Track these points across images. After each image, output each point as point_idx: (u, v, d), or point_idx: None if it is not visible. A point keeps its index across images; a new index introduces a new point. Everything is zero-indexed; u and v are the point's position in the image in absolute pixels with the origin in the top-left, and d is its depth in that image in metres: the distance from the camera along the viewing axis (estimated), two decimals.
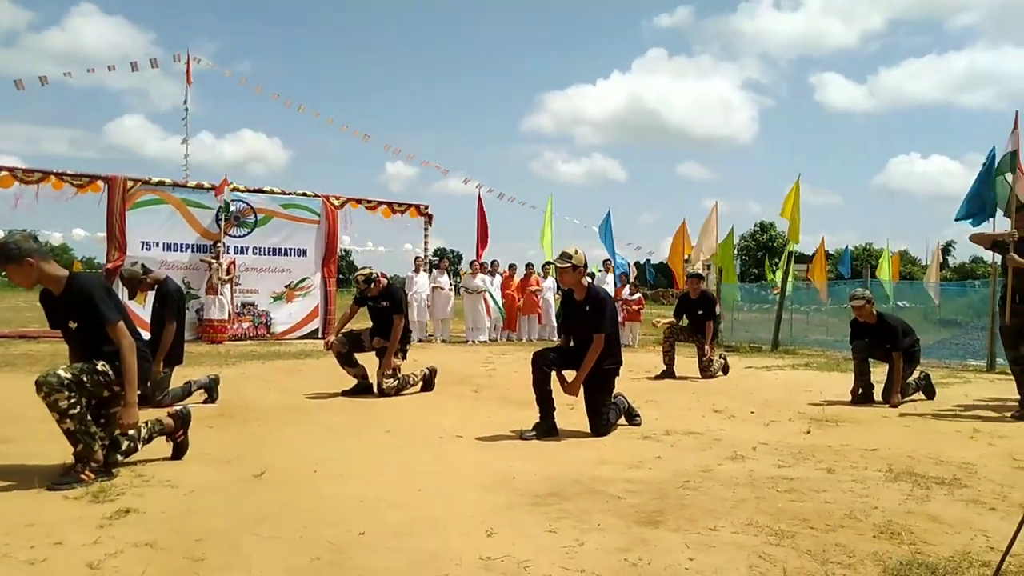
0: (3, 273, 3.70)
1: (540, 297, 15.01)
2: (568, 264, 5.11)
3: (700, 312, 9.00)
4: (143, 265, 6.37)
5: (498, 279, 14.90)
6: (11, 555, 2.63)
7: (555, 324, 14.79)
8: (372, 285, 6.90)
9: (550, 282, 14.93)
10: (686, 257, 15.32)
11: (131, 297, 5.82)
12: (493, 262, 15.33)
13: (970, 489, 3.74)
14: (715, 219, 14.31)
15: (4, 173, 11.54)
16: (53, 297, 3.76)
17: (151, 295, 6.49)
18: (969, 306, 15.38)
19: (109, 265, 11.94)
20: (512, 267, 15.33)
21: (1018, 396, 6.10)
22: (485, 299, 14.30)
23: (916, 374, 7.00)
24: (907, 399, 6.80)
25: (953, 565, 2.64)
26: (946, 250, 43.58)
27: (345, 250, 14.64)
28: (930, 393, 7.00)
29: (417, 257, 14.72)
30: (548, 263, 14.71)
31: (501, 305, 14.48)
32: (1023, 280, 5.92)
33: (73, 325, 3.72)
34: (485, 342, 14.13)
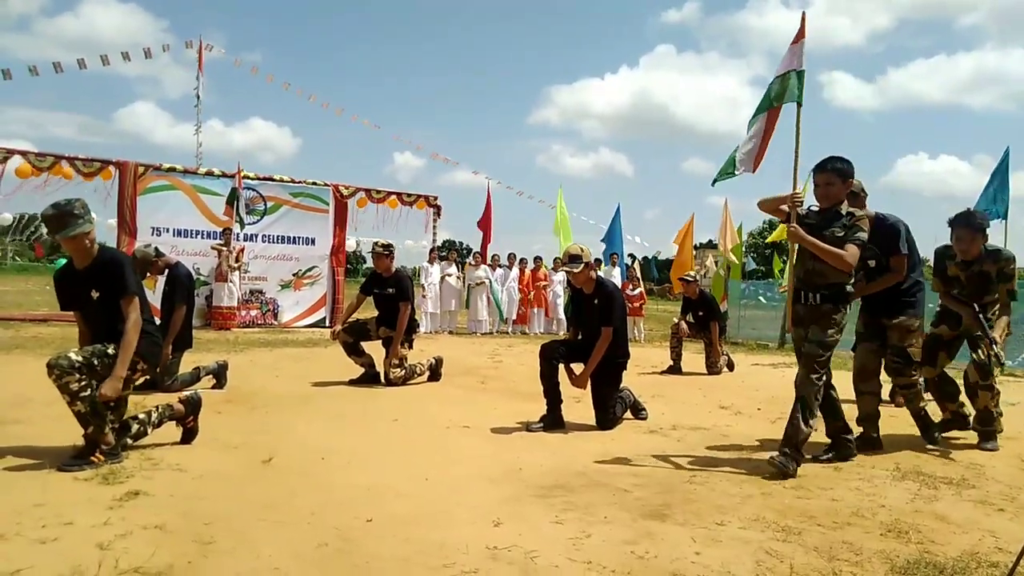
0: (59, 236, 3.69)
1: (549, 291, 15.02)
2: (581, 265, 5.10)
3: (701, 313, 9.13)
4: (156, 248, 6.42)
5: (515, 271, 14.92)
6: (23, 534, 2.65)
7: (562, 318, 14.81)
8: (389, 256, 6.92)
9: (560, 275, 14.93)
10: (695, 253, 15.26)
11: (142, 278, 5.81)
12: (510, 255, 15.30)
13: (978, 490, 3.73)
14: (729, 218, 14.23)
15: (19, 160, 11.57)
16: (75, 271, 3.80)
17: (161, 281, 6.52)
18: None
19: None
20: (523, 261, 15.30)
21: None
22: (487, 291, 14.37)
23: None
24: None
25: (961, 565, 2.63)
26: None
27: (357, 241, 14.67)
28: None
29: (432, 249, 14.76)
30: (558, 258, 14.70)
31: (501, 301, 14.50)
32: (811, 266, 4.05)
33: (96, 295, 3.76)
34: (488, 333, 14.16)
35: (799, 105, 4.47)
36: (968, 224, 4.68)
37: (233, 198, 12.51)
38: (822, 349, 4.00)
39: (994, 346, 4.53)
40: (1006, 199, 10.46)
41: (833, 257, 3.91)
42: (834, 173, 4.05)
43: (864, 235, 3.97)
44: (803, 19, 4.53)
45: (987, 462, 4.35)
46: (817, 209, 4.16)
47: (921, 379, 4.91)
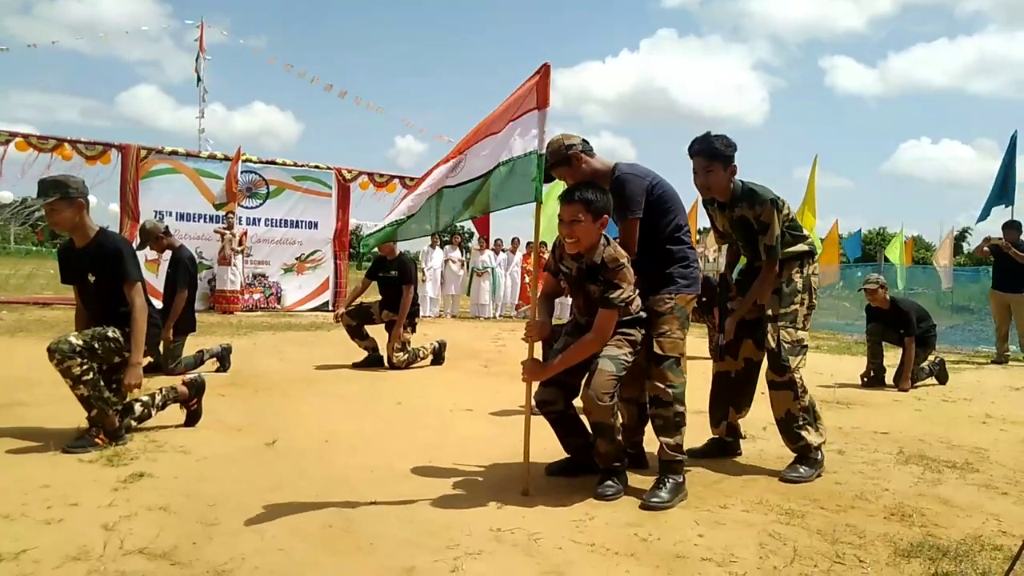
0: (46, 205, 3.63)
1: None
2: None
3: (704, 298, 9.10)
4: (167, 227, 6.48)
5: (518, 256, 14.92)
6: (28, 515, 2.66)
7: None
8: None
9: None
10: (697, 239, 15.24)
11: (140, 248, 5.80)
12: (513, 239, 15.25)
13: (982, 474, 3.72)
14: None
15: (20, 140, 11.58)
16: (74, 249, 3.79)
17: (164, 265, 6.54)
18: (982, 292, 15.27)
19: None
20: (529, 244, 15.28)
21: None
22: (490, 277, 14.42)
23: (931, 358, 6.97)
24: (919, 384, 6.76)
25: (965, 548, 2.62)
26: (961, 237, 43.28)
27: (359, 224, 14.69)
28: (943, 378, 6.96)
29: (434, 233, 14.76)
30: (544, 243, 14.80)
31: (500, 284, 14.58)
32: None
33: (92, 278, 3.74)
34: (491, 318, 14.18)
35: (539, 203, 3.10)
36: (701, 150, 3.41)
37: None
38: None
39: (721, 335, 3.61)
40: (1013, 185, 10.39)
41: None
42: (582, 204, 3.01)
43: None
44: (545, 72, 3.00)
45: (991, 447, 4.34)
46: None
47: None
